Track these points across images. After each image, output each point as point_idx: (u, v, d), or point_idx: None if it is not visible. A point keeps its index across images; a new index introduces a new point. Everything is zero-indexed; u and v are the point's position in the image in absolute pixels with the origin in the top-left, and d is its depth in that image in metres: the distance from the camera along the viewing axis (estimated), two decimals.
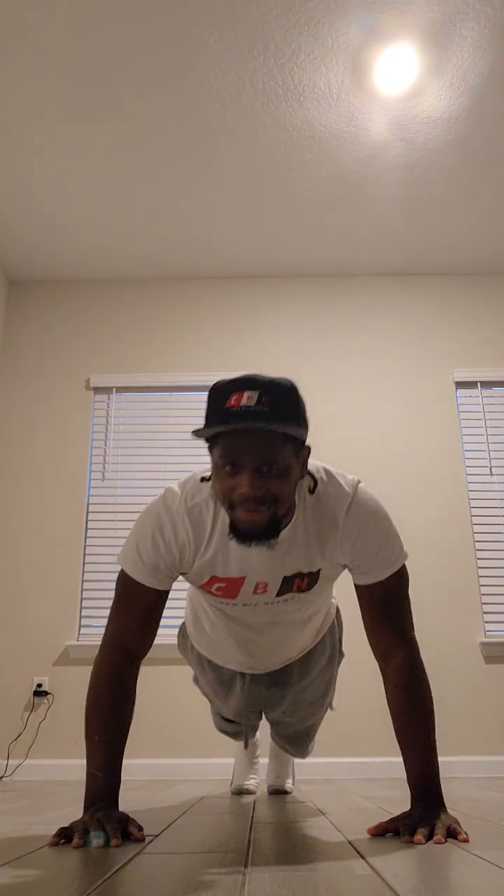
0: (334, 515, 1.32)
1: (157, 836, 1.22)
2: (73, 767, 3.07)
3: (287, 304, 4.22)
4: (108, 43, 2.74)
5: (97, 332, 4.17)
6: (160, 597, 1.38)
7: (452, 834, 1.13)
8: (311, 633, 1.71)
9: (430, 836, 1.11)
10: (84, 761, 1.28)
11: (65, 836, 1.14)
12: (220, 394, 1.21)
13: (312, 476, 1.36)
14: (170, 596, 1.41)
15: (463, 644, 3.46)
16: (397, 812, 1.26)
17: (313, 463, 1.37)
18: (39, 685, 3.42)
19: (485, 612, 3.55)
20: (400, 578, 1.37)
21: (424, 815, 1.18)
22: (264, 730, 2.09)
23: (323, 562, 1.37)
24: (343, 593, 1.59)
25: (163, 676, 3.27)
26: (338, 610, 1.85)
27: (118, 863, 0.96)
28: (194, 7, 2.61)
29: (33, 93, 2.97)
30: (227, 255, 4.09)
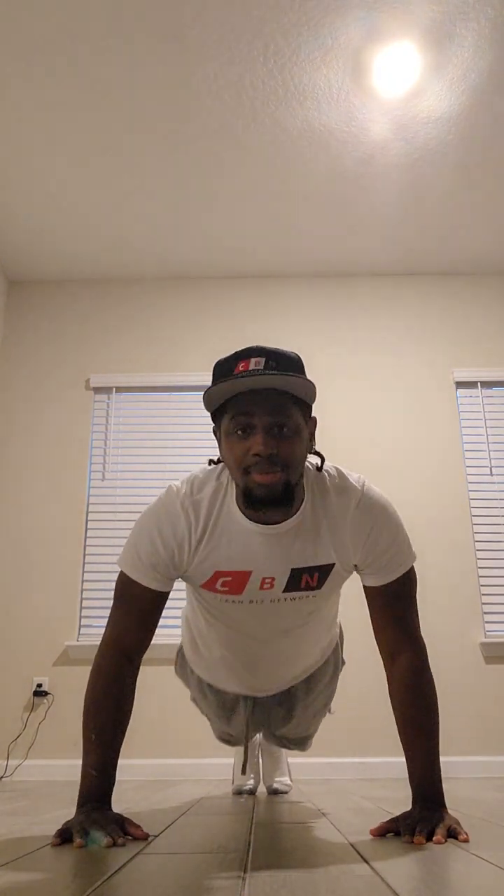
0: (344, 508, 1.31)
1: (156, 836, 1.21)
2: (73, 768, 3.05)
3: (287, 304, 4.22)
4: (108, 43, 2.74)
5: (97, 332, 4.17)
6: (159, 598, 1.36)
7: (453, 834, 1.13)
8: (317, 654, 1.68)
9: (430, 837, 1.11)
10: None
11: (64, 836, 1.13)
12: (225, 364, 1.23)
13: (319, 468, 1.35)
14: (170, 595, 1.40)
15: (463, 644, 3.46)
16: (398, 812, 1.26)
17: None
18: (39, 685, 3.42)
19: (485, 612, 3.55)
20: (410, 579, 1.37)
21: (425, 815, 1.18)
22: None
23: (334, 555, 1.34)
24: (345, 593, 1.58)
25: (162, 676, 3.26)
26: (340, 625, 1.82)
27: (118, 863, 0.96)
28: (194, 7, 2.61)
29: (33, 93, 2.96)
30: (227, 255, 4.09)
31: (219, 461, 1.36)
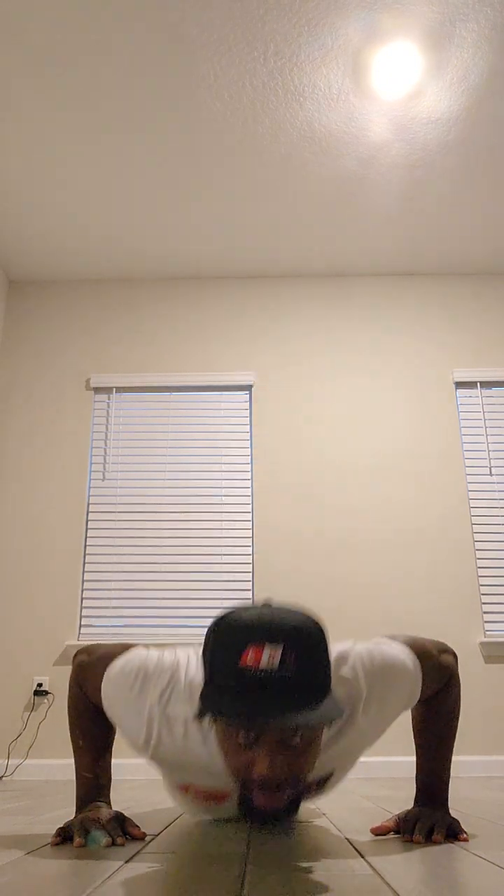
0: (349, 715, 1.12)
1: (156, 836, 1.21)
2: (74, 767, 3.07)
3: (287, 304, 4.22)
4: (108, 43, 2.74)
5: (97, 332, 4.17)
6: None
7: (453, 834, 1.13)
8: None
9: (429, 836, 1.11)
10: None
11: (64, 836, 1.14)
12: (231, 641, 0.95)
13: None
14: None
15: (463, 644, 3.47)
16: (398, 812, 1.26)
17: None
18: (39, 685, 3.42)
19: (485, 612, 3.56)
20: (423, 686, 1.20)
21: (425, 814, 1.18)
22: None
23: (338, 761, 1.16)
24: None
25: None
26: None
27: (118, 863, 0.96)
28: (194, 7, 2.61)
29: (32, 94, 2.96)
30: (227, 255, 4.09)
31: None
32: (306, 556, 3.65)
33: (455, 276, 4.28)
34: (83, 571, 3.65)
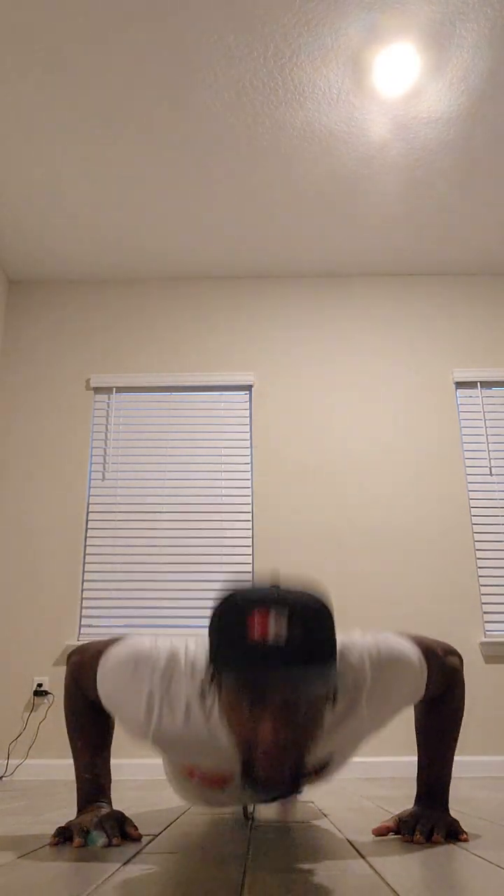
0: (353, 701, 1.13)
1: (156, 836, 1.21)
2: (73, 768, 3.07)
3: (287, 304, 4.22)
4: (109, 44, 2.74)
5: (97, 332, 4.17)
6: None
7: (453, 834, 1.13)
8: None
9: (429, 836, 1.11)
10: None
11: (64, 836, 1.14)
12: (235, 614, 0.97)
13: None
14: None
15: (463, 644, 3.46)
16: (398, 812, 1.26)
17: None
18: (39, 685, 3.42)
19: (485, 612, 3.56)
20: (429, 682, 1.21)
21: (425, 814, 1.18)
22: None
23: (338, 745, 1.17)
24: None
25: None
26: None
27: (118, 863, 0.96)
28: (194, 8, 2.61)
29: (33, 94, 2.96)
30: (228, 255, 4.09)
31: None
32: (306, 557, 3.65)
33: (455, 275, 4.28)
34: (83, 571, 3.65)
